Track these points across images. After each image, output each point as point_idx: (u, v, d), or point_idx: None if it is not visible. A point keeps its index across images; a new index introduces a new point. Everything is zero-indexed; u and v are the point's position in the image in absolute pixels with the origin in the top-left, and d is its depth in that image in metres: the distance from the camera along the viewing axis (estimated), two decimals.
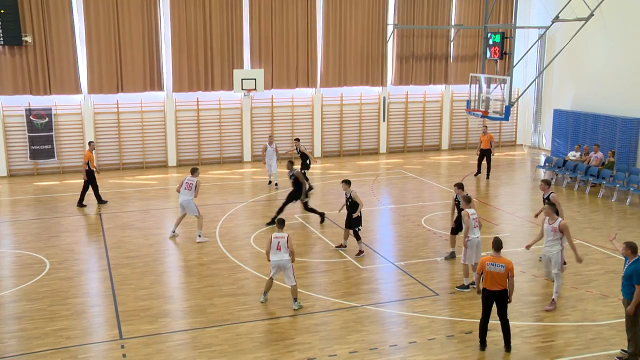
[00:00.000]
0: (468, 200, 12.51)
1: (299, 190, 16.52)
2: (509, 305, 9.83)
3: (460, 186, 13.59)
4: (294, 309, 11.34)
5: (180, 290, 12.59)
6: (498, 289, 9.64)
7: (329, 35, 25.60)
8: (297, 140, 21.01)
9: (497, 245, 9.85)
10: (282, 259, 11.27)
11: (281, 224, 11.55)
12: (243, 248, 14.86)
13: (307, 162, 20.20)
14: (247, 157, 25.51)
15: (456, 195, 13.55)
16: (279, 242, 11.25)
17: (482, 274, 9.75)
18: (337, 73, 25.94)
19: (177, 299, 12.10)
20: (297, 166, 17.98)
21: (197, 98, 24.68)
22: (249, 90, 23.98)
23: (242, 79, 23.75)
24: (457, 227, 13.67)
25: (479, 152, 22.14)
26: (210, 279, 12.97)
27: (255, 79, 23.83)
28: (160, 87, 24.10)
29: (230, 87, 24.36)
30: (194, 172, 15.59)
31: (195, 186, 15.33)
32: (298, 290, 11.60)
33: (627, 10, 23.25)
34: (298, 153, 20.47)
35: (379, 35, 26.28)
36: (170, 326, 10.86)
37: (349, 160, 25.77)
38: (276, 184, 20.90)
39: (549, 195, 13.39)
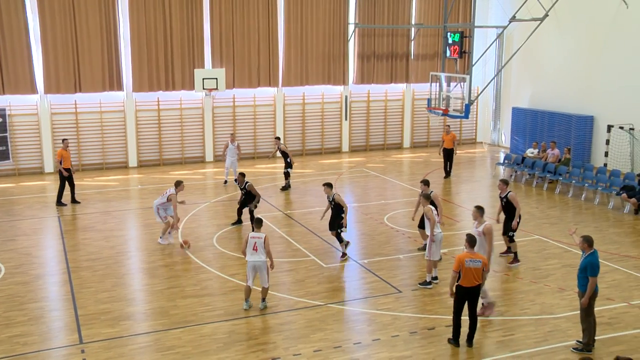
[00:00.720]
0: (427, 197, 12.68)
1: (252, 199, 15.87)
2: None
3: (425, 183, 13.83)
4: (260, 308, 11.30)
5: (143, 293, 12.44)
6: (474, 284, 9.73)
7: (290, 34, 25.59)
8: (278, 139, 20.94)
9: (472, 241, 9.92)
10: (259, 260, 11.05)
11: (259, 223, 11.31)
12: (206, 249, 14.75)
13: (289, 160, 20.11)
14: (209, 157, 25.31)
15: (422, 192, 13.75)
16: (255, 243, 11.01)
17: (459, 271, 9.69)
18: (298, 72, 25.95)
19: (139, 301, 11.94)
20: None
21: (158, 98, 24.39)
22: (211, 90, 23.80)
23: (203, 79, 23.56)
24: (423, 222, 13.75)
25: (441, 152, 22.31)
26: (174, 281, 12.84)
27: (216, 79, 23.67)
28: (119, 87, 23.73)
29: (192, 87, 24.14)
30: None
31: (168, 198, 14.69)
32: None
33: (580, 11, 23.88)
34: (279, 152, 20.31)
35: (340, 35, 26.37)
36: (133, 329, 10.72)
37: (312, 159, 25.80)
38: (235, 180, 20.78)
39: (506, 194, 13.59)
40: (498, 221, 14.00)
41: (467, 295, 9.80)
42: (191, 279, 12.94)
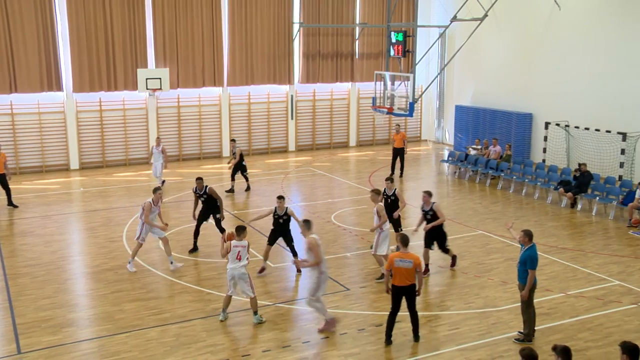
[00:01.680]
0: (378, 193, 12.89)
1: (214, 207, 14.50)
2: (417, 297, 10.13)
3: (429, 194, 13.09)
4: (254, 323, 10.72)
5: (86, 298, 12.12)
6: (407, 284, 9.83)
7: (235, 33, 25.41)
8: (233, 141, 20.42)
9: (404, 241, 9.99)
10: (239, 268, 10.58)
11: (241, 231, 10.68)
12: (152, 251, 14.49)
13: (244, 163, 19.84)
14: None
15: (385, 189, 13.92)
16: (239, 252, 10.58)
17: (390, 270, 9.85)
18: (244, 72, 25.80)
19: (82, 307, 11.64)
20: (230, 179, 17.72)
21: (100, 98, 23.83)
22: (154, 90, 23.39)
23: (146, 79, 23.14)
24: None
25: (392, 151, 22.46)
26: (118, 284, 12.58)
27: (160, 79, 23.28)
28: (59, 87, 23.07)
29: (135, 87, 23.69)
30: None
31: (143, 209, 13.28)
32: (205, 291, 11.46)
33: (517, 12, 24.60)
34: (234, 155, 19.78)
35: (285, 34, 26.36)
36: (75, 336, 10.45)
37: (258, 159, 25.71)
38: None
39: (431, 206, 12.81)
40: (416, 232, 13.05)
41: (401, 293, 9.87)
42: (137, 282, 12.70)
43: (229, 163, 20.49)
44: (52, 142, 23.47)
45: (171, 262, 13.30)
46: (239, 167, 19.89)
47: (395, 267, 9.75)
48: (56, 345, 10.09)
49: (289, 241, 13.18)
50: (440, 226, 12.85)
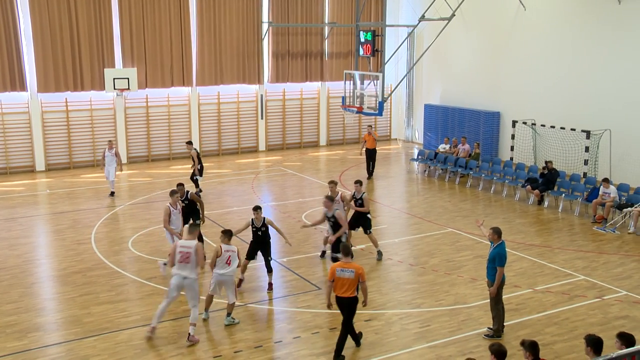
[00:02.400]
0: (331, 199, 12.91)
1: (195, 212, 13.99)
2: (362, 308, 9.84)
3: (358, 182, 14.03)
4: (225, 324, 10.67)
5: (54, 302, 11.91)
6: (348, 295, 9.42)
7: (204, 32, 25.23)
8: (190, 143, 19.76)
9: (346, 251, 9.63)
10: (229, 274, 10.49)
11: (228, 235, 10.60)
12: (121, 253, 14.33)
13: (200, 167, 19.28)
14: (123, 159, 24.52)
15: (354, 192, 13.96)
16: (229, 256, 10.44)
17: (332, 281, 9.45)
18: (213, 71, 25.63)
19: (49, 311, 11.44)
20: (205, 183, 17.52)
21: (66, 98, 23.43)
22: (122, 90, 23.09)
23: (113, 78, 22.79)
24: (353, 223, 13.87)
25: (363, 152, 22.38)
26: (87, 287, 12.39)
27: (128, 78, 22.96)
28: (22, 87, 22.60)
29: (102, 87, 23.34)
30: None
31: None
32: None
33: (484, 12, 24.93)
34: (194, 157, 19.22)
35: (254, 33, 26.25)
36: (42, 340, 10.26)
37: (228, 159, 25.58)
38: (112, 193, 19.37)
39: (361, 195, 13.74)
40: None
41: (341, 304, 9.55)
42: (105, 284, 12.53)
43: (192, 168, 19.64)
44: (17, 143, 23.00)
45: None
46: (199, 172, 19.25)
47: (337, 276, 9.40)
48: (22, 350, 9.89)
49: (266, 255, 12.20)
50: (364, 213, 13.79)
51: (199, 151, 20.67)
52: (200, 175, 19.47)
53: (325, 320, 10.90)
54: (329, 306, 9.72)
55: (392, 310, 11.17)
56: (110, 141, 20.00)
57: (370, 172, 22.20)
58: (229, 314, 10.77)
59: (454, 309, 11.39)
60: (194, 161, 19.27)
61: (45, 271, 13.47)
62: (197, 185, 19.47)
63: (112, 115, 24.34)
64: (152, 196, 19.42)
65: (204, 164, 19.94)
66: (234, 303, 10.70)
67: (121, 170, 19.88)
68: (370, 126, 22.83)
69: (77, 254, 14.26)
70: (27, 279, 12.92)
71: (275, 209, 18.01)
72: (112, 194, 19.42)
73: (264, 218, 12.16)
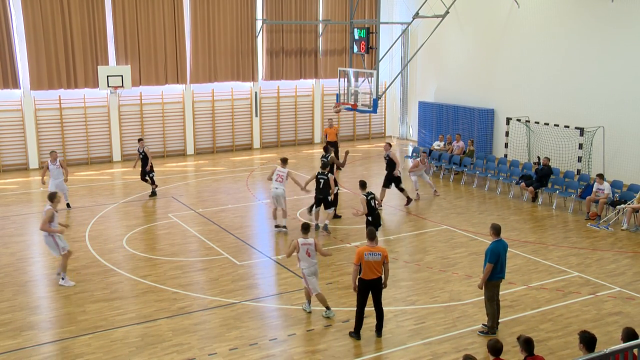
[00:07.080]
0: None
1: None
2: (383, 291, 10.20)
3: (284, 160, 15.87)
4: (324, 316, 10.89)
5: (48, 300, 11.88)
6: (375, 277, 9.89)
7: (198, 30, 25.16)
8: (141, 140, 18.99)
9: (372, 235, 10.06)
10: (316, 266, 10.80)
11: (307, 229, 10.84)
12: (115, 251, 14.29)
13: (150, 164, 18.57)
14: (117, 156, 24.53)
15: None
16: (307, 249, 10.65)
17: (360, 264, 9.82)
18: (207, 69, 25.57)
19: (44, 309, 11.41)
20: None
21: (59, 96, 23.34)
22: (116, 88, 23.02)
23: (107, 76, 22.77)
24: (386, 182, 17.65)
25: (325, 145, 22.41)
26: (81, 285, 12.35)
27: (121, 76, 22.93)
28: (15, 85, 22.51)
29: (95, 85, 23.28)
30: (284, 162, 15.74)
31: (287, 176, 15.41)
32: (177, 290, 11.35)
33: (478, 10, 24.96)
34: (141, 155, 18.55)
35: (248, 31, 26.20)
36: (37, 338, 10.23)
37: (223, 157, 25.54)
38: (67, 205, 17.75)
39: (387, 153, 17.47)
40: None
41: (369, 287, 9.95)
42: (100, 282, 12.51)
43: (134, 167, 19.22)
44: (10, 141, 22.91)
45: (62, 278, 12.39)
46: (144, 168, 18.62)
47: (365, 260, 9.79)
48: (16, 349, 9.86)
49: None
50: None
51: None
52: (152, 172, 18.76)
53: (319, 318, 10.90)
54: (356, 289, 10.00)
55: (387, 307, 11.17)
56: (52, 152, 17.64)
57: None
58: (327, 308, 10.92)
59: (448, 305, 11.40)
60: (147, 157, 18.52)
61: (39, 269, 13.43)
62: (153, 182, 18.88)
63: (106, 112, 24.26)
64: (146, 194, 19.36)
65: (195, 161, 19.80)
66: (321, 293, 10.90)
67: (66, 181, 17.66)
68: (331, 119, 23.26)
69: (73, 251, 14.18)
70: (20, 277, 12.87)
71: (270, 207, 17.96)
72: (69, 206, 17.83)
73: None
